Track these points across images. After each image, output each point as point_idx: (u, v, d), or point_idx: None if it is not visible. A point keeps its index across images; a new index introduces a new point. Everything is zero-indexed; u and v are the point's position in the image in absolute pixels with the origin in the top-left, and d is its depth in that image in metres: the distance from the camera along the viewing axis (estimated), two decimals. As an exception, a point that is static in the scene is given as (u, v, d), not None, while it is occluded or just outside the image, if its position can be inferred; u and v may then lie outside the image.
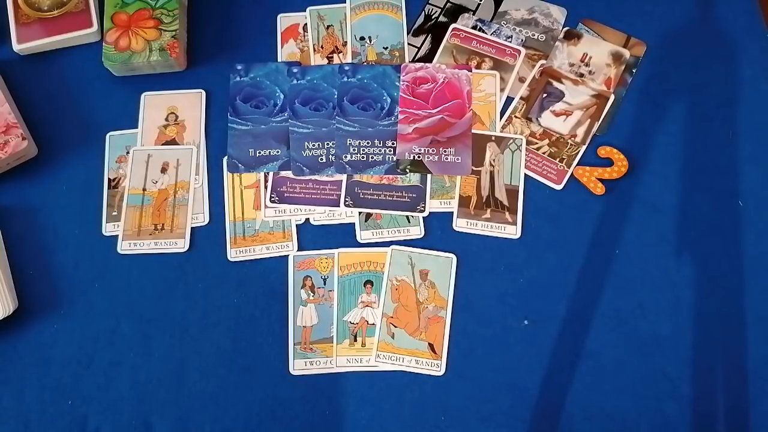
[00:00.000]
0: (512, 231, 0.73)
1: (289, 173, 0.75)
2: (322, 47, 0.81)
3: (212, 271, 0.73)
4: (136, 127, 0.78)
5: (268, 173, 0.76)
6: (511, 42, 0.80)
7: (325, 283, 0.72)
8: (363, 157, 0.75)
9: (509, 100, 0.78)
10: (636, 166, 0.74)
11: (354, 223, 0.74)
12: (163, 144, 0.77)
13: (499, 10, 0.82)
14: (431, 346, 0.69)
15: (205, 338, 0.70)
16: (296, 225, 0.74)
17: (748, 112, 0.76)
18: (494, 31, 0.81)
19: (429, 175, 0.75)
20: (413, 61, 0.80)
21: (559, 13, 0.81)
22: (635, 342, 0.69)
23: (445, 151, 0.76)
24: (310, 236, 0.74)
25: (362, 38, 0.81)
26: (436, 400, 0.68)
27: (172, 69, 0.80)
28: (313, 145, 0.76)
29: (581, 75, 0.78)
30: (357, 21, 0.82)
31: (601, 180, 0.73)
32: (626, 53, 0.79)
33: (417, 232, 0.73)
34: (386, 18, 0.82)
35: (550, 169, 0.75)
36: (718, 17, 0.80)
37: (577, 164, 0.75)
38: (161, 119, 0.78)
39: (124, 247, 0.73)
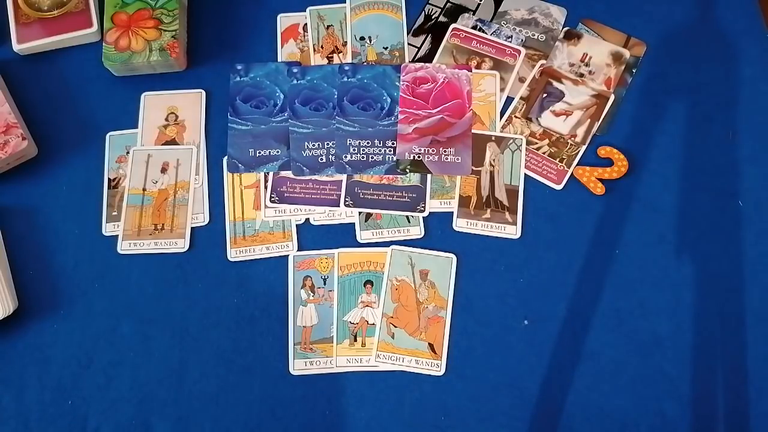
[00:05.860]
0: (512, 231, 0.73)
1: (289, 173, 0.75)
2: (322, 47, 0.81)
3: (212, 271, 0.73)
4: (136, 127, 0.78)
5: (268, 173, 0.76)
6: (511, 42, 0.80)
7: (325, 283, 0.72)
8: (363, 157, 0.75)
9: (509, 100, 0.78)
10: (636, 166, 0.74)
11: (354, 223, 0.74)
12: (163, 144, 0.77)
13: (499, 10, 0.82)
14: (431, 346, 0.69)
15: (205, 338, 0.70)
16: (296, 225, 0.74)
17: (748, 112, 0.76)
18: (494, 31, 0.81)
19: (429, 175, 0.75)
20: (413, 61, 0.80)
21: (559, 13, 0.81)
22: (635, 342, 0.69)
23: (445, 151, 0.76)
24: (310, 236, 0.74)
25: (362, 38, 0.81)
26: (436, 400, 0.68)
27: (172, 69, 0.80)
28: (313, 145, 0.76)
29: (581, 75, 0.78)
30: (357, 21, 0.82)
31: (601, 180, 0.73)
32: (626, 53, 0.79)
33: (417, 232, 0.73)
34: (386, 18, 0.82)
35: (550, 169, 0.75)
36: (718, 17, 0.80)
37: (577, 164, 0.75)
38: (161, 119, 0.78)
39: (124, 247, 0.73)
